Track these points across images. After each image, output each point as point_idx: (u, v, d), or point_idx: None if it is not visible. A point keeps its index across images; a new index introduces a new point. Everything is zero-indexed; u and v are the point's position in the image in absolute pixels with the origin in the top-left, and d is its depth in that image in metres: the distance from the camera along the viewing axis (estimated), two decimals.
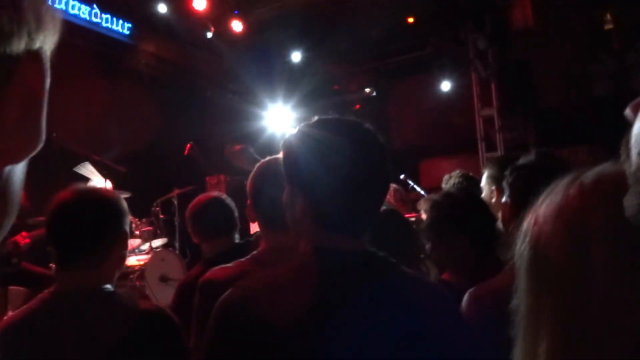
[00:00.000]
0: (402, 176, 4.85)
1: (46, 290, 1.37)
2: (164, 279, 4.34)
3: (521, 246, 0.66)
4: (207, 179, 5.98)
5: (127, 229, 1.46)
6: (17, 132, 0.35)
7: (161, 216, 5.26)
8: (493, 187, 2.26)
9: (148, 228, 5.01)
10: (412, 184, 4.84)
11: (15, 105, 0.34)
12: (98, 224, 1.38)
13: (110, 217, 1.40)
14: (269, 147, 6.81)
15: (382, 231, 1.83)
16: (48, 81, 0.38)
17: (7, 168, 0.36)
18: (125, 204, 1.46)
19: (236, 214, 2.32)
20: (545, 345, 0.58)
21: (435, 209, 1.91)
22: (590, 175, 0.62)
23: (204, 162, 5.73)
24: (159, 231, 5.15)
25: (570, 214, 0.60)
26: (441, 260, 1.95)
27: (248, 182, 1.57)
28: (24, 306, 1.35)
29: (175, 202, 5.29)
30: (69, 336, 1.26)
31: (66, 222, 1.37)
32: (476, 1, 6.46)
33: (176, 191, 5.28)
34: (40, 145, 0.37)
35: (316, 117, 1.09)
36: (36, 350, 1.24)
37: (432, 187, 4.82)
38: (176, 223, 5.26)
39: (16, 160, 0.36)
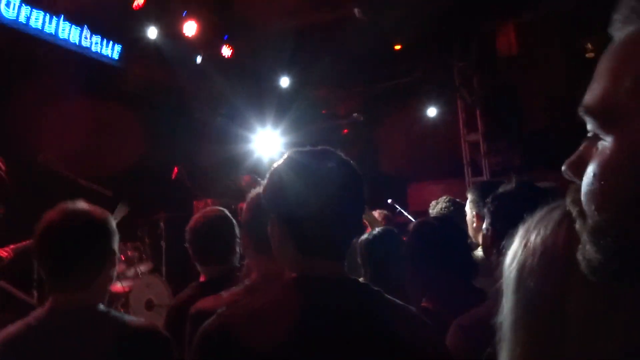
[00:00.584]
0: (389, 201, 4.87)
1: (40, 309, 1.36)
2: (149, 306, 4.26)
3: (510, 265, 0.68)
4: (195, 202, 5.94)
5: (116, 248, 1.45)
6: None
7: (147, 240, 5.20)
8: (474, 213, 2.28)
9: (133, 252, 4.94)
10: (399, 208, 4.86)
11: None
12: (87, 244, 1.36)
13: (99, 237, 1.40)
14: (256, 171, 6.82)
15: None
16: None
17: None
18: (113, 223, 1.45)
19: (237, 237, 2.20)
20: None
21: (413, 236, 1.92)
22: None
23: (191, 185, 5.71)
24: (144, 256, 5.08)
25: (557, 255, 0.63)
26: (419, 287, 1.94)
27: (243, 211, 1.58)
28: (18, 322, 1.34)
29: (162, 225, 5.24)
30: (63, 354, 1.26)
31: (56, 242, 1.35)
32: (462, 29, 6.61)
33: (163, 215, 5.24)
34: None
35: (294, 149, 1.13)
36: None
37: (420, 211, 4.84)
38: (163, 247, 5.20)
39: None
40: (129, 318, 1.46)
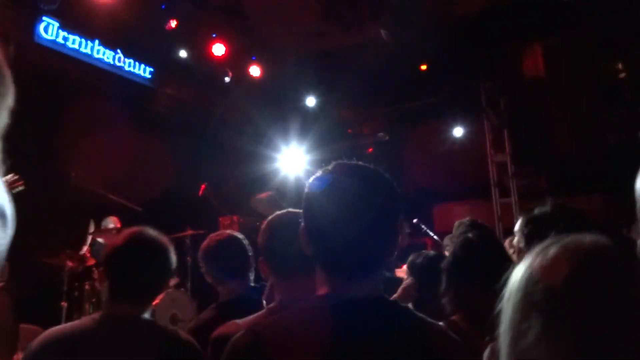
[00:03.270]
0: (415, 220, 4.85)
1: (95, 313, 1.55)
2: (174, 320, 4.31)
3: (525, 273, 0.79)
4: (221, 219, 6.01)
5: (173, 274, 1.69)
6: None
7: None
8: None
9: None
10: (424, 228, 4.83)
11: None
12: (155, 270, 1.57)
13: (164, 264, 1.59)
14: (282, 190, 6.88)
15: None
16: None
17: None
18: (173, 252, 1.63)
19: (251, 253, 2.26)
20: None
21: (451, 253, 1.92)
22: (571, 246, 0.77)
23: (217, 202, 5.79)
24: None
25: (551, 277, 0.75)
26: (453, 303, 1.93)
27: (259, 236, 1.59)
28: (72, 322, 1.52)
29: (188, 242, 5.31)
30: (109, 354, 1.40)
31: (129, 262, 1.54)
32: (488, 51, 6.62)
33: (189, 231, 5.31)
34: None
35: (333, 163, 1.12)
36: None
37: (445, 232, 4.80)
38: (188, 263, 5.27)
39: None
40: (172, 328, 1.62)
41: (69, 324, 1.50)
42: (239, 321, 1.52)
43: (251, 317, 1.53)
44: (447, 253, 2.17)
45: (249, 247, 2.27)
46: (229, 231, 2.39)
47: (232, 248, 2.24)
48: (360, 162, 1.14)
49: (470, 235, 2.02)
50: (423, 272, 2.27)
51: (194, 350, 1.56)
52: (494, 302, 1.78)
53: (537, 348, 0.71)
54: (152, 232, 1.61)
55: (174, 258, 1.62)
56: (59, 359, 1.37)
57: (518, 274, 0.81)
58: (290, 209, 1.56)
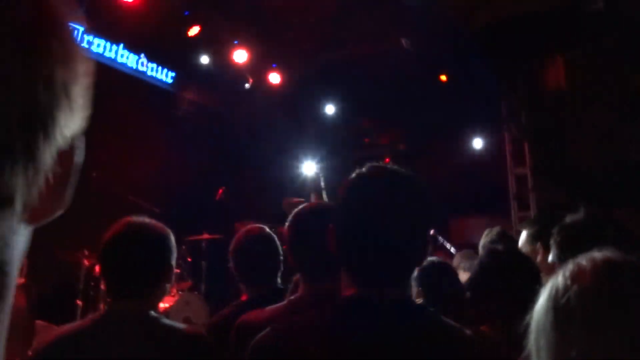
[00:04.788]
0: (431, 232, 4.81)
1: (96, 312, 1.45)
2: (187, 322, 4.34)
3: (565, 283, 0.79)
4: (237, 224, 6.04)
5: (174, 263, 1.53)
6: (50, 199, 0.40)
7: (189, 259, 5.31)
8: (536, 245, 2.24)
9: (175, 270, 5.06)
10: (441, 240, 4.79)
11: (56, 179, 0.40)
12: (149, 257, 1.45)
13: (160, 253, 1.48)
14: (299, 196, 6.89)
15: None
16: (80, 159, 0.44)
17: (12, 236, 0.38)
18: (173, 239, 1.52)
19: (281, 256, 2.17)
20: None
21: (481, 265, 1.89)
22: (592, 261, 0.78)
23: (234, 207, 5.82)
24: (185, 274, 5.19)
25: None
26: (481, 315, 1.91)
27: (286, 231, 1.58)
28: (74, 323, 1.45)
29: (204, 245, 5.35)
30: (114, 353, 1.33)
31: (120, 253, 1.44)
32: (509, 62, 6.56)
33: (205, 235, 5.35)
34: (61, 212, 0.43)
35: (367, 165, 1.10)
36: None
37: (462, 244, 4.75)
38: (203, 267, 5.30)
39: (41, 221, 0.41)
40: (178, 324, 1.52)
41: (73, 324, 1.45)
42: (261, 310, 1.53)
43: (273, 306, 1.54)
44: (460, 272, 2.14)
45: (279, 248, 2.18)
46: (261, 226, 2.26)
47: (263, 245, 2.15)
48: (394, 166, 1.13)
49: (498, 246, 1.99)
50: (426, 278, 2.24)
51: (203, 343, 1.49)
52: (526, 313, 1.74)
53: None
54: (144, 220, 1.48)
55: (171, 245, 1.50)
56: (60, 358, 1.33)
57: (554, 286, 0.82)
58: (313, 205, 1.57)
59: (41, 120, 0.37)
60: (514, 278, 1.77)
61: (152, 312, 1.46)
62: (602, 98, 6.32)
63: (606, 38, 5.85)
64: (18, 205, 0.36)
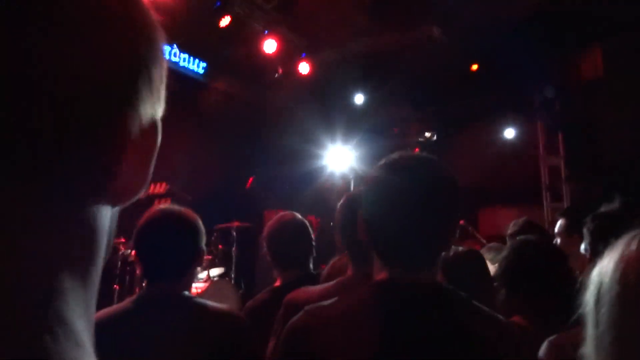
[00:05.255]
0: (461, 222, 4.78)
1: (134, 295, 1.56)
2: None
3: (591, 291, 0.75)
4: (266, 212, 6.13)
5: (204, 247, 1.61)
6: (133, 178, 0.41)
7: (220, 246, 5.43)
8: (574, 235, 2.21)
9: (207, 257, 5.19)
10: (472, 230, 4.76)
11: (138, 156, 0.41)
12: (181, 243, 1.53)
13: (191, 236, 1.56)
14: (329, 185, 6.93)
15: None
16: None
17: (102, 213, 0.40)
18: (202, 225, 1.60)
19: (313, 242, 2.22)
20: None
21: (511, 255, 1.87)
22: None
23: (263, 196, 5.90)
24: (216, 260, 5.31)
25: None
26: (512, 307, 1.89)
27: (337, 213, 1.64)
28: (113, 306, 1.52)
29: (234, 233, 5.45)
30: (150, 333, 1.40)
31: (153, 238, 1.53)
32: (544, 51, 6.41)
33: (236, 223, 5.45)
34: (144, 190, 0.44)
35: (395, 153, 1.12)
36: (122, 346, 1.33)
37: (492, 236, 4.71)
38: (233, 254, 5.40)
39: (125, 201, 0.42)
40: (211, 303, 1.58)
41: (110, 308, 1.51)
42: (309, 288, 1.58)
43: (322, 285, 1.59)
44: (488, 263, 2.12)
45: (311, 235, 2.23)
46: (293, 213, 2.31)
47: (296, 231, 2.20)
48: (422, 153, 1.15)
49: (531, 238, 1.95)
50: (451, 268, 2.23)
51: (237, 321, 1.54)
52: (559, 304, 1.72)
53: None
54: (174, 207, 1.57)
55: (201, 230, 1.58)
56: (97, 342, 1.38)
57: (605, 270, 0.76)
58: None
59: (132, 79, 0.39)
60: (546, 268, 1.75)
61: (186, 293, 1.53)
62: (639, 88, 6.11)
63: None
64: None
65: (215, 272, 5.17)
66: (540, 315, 1.72)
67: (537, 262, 1.78)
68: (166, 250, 1.51)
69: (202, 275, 5.00)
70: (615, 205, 1.56)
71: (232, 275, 5.29)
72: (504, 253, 1.92)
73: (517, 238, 2.00)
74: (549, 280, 1.74)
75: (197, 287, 4.72)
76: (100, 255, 0.40)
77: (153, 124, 0.44)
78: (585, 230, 1.57)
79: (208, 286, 4.65)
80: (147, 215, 1.54)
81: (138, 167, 0.41)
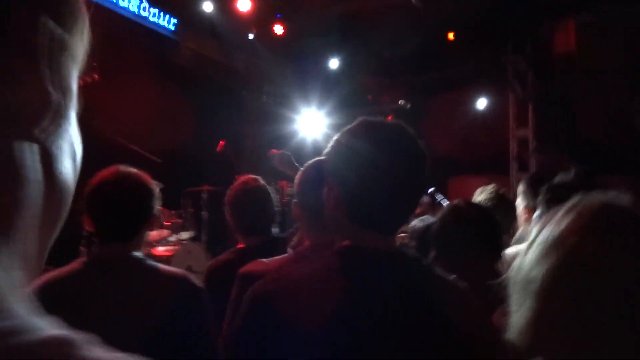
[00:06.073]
0: (430, 190, 4.85)
1: (83, 257, 1.54)
2: (189, 271, 4.43)
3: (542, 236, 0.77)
4: (237, 177, 6.06)
5: (156, 210, 1.60)
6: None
7: (190, 209, 5.37)
8: (525, 204, 2.24)
9: (177, 220, 5.12)
10: (440, 198, 4.83)
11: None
12: (132, 202, 1.51)
13: (143, 197, 1.54)
14: (299, 151, 6.89)
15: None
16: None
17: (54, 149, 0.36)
18: (156, 188, 1.59)
19: (275, 207, 2.22)
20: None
21: (441, 220, 1.85)
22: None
23: (235, 160, 5.83)
24: (186, 224, 5.26)
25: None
26: (446, 271, 1.89)
27: (295, 182, 1.61)
28: (61, 268, 1.49)
29: (205, 197, 5.39)
30: (100, 295, 1.40)
31: (104, 198, 1.51)
32: (518, 23, 6.42)
33: (206, 187, 5.39)
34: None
35: (359, 119, 1.12)
36: (72, 307, 1.30)
37: None
38: (204, 217, 5.36)
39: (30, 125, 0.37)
40: (163, 266, 1.58)
41: (62, 269, 1.49)
42: (265, 260, 1.57)
43: (278, 257, 1.57)
44: None
45: (274, 199, 2.22)
46: (255, 178, 2.28)
47: (259, 198, 2.18)
48: (389, 120, 1.14)
49: (460, 203, 1.94)
50: (422, 237, 2.23)
51: (188, 284, 1.54)
52: (492, 267, 1.74)
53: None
54: (128, 169, 1.55)
55: (153, 192, 1.57)
56: (47, 304, 1.35)
57: (542, 231, 0.78)
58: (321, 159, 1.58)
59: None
60: (479, 232, 1.74)
61: (136, 253, 1.51)
62: (612, 65, 6.22)
63: (621, 3, 5.70)
64: None
65: (185, 235, 5.12)
66: (476, 280, 1.72)
67: (466, 227, 1.76)
68: (116, 211, 1.49)
69: (172, 238, 4.96)
70: (569, 176, 1.58)
71: (203, 239, 5.26)
72: (439, 216, 1.91)
73: (449, 203, 2.00)
74: (475, 244, 1.73)
75: (167, 249, 4.68)
76: (30, 203, 0.35)
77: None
78: (539, 200, 1.59)
79: (178, 249, 4.62)
80: (99, 175, 1.52)
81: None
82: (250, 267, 1.56)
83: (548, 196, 1.58)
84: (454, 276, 1.16)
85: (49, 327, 0.30)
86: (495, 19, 5.94)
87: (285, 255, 1.58)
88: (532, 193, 2.01)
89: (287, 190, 5.94)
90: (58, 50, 0.37)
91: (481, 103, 7.53)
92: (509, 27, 6.40)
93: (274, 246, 1.99)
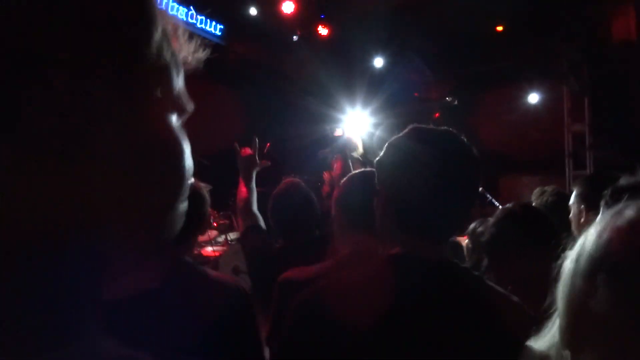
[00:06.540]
0: (480, 189, 4.71)
1: None
2: (236, 271, 4.49)
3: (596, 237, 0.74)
4: (283, 178, 6.12)
5: (207, 216, 1.63)
6: None
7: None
8: (582, 207, 2.13)
9: (225, 221, 5.23)
10: (489, 198, 4.69)
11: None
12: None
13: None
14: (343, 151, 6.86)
15: None
16: None
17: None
18: (206, 193, 1.60)
19: (317, 210, 2.25)
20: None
21: (495, 226, 1.79)
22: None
23: (281, 161, 5.88)
24: (234, 225, 5.35)
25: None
26: (501, 279, 1.84)
27: (340, 191, 1.61)
28: None
29: None
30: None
31: None
32: (571, 10, 6.14)
33: None
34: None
35: (410, 126, 1.10)
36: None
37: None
38: None
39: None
40: (212, 271, 1.57)
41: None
42: (305, 268, 1.57)
43: (317, 265, 1.57)
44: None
45: (314, 202, 2.26)
46: (296, 181, 2.33)
47: (297, 199, 2.22)
48: (440, 127, 1.12)
49: (514, 207, 1.87)
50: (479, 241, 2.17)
51: (236, 290, 1.50)
52: (547, 273, 1.65)
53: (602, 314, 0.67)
54: None
55: (205, 198, 1.56)
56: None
57: (587, 238, 0.75)
58: (365, 170, 1.59)
59: None
60: (532, 238, 1.66)
61: (187, 258, 1.51)
62: None
63: None
64: None
65: (233, 236, 5.22)
66: (530, 288, 1.65)
67: (519, 232, 1.70)
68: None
69: (220, 239, 5.05)
70: (635, 178, 1.48)
71: None
72: (490, 222, 1.84)
73: (503, 207, 1.93)
74: (530, 250, 1.65)
75: (215, 250, 4.78)
76: None
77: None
78: (602, 204, 1.49)
79: (226, 249, 4.71)
80: None
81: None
82: (291, 273, 1.56)
83: (612, 201, 1.48)
84: (509, 287, 1.12)
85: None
86: (546, 7, 5.70)
87: (324, 263, 1.57)
88: (593, 195, 1.90)
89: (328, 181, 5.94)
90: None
91: (533, 98, 7.25)
92: (561, 15, 6.13)
93: (314, 246, 1.99)
